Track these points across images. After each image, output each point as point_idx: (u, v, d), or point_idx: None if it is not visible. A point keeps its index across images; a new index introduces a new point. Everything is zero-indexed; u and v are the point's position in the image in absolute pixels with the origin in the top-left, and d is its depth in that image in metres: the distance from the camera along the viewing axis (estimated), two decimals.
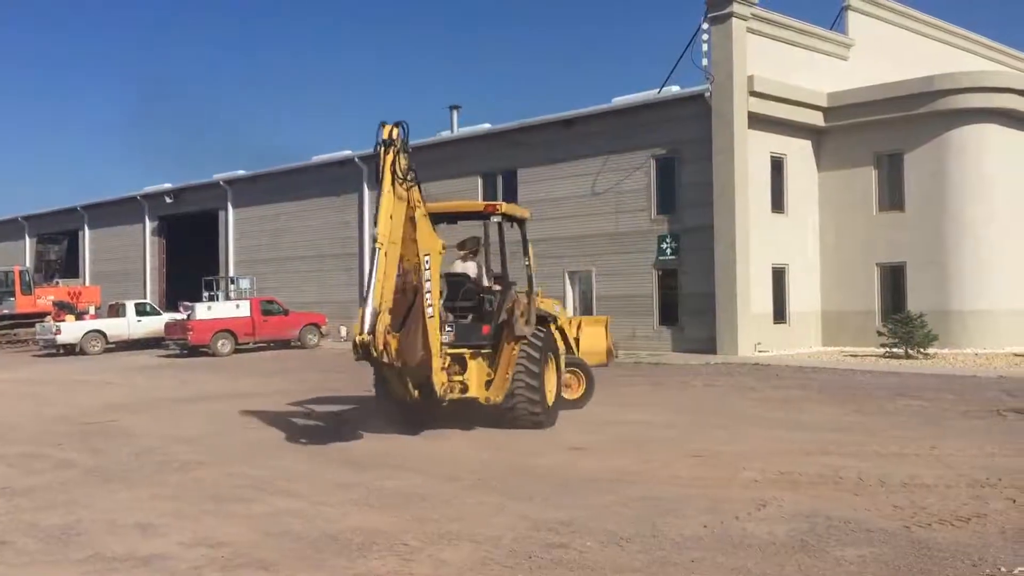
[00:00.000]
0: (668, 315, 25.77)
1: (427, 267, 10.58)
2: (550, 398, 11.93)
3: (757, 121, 24.20)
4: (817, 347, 25.64)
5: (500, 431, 11.74)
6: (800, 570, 5.75)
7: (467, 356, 11.74)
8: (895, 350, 22.15)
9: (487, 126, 31.55)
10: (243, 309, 29.67)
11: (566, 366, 13.20)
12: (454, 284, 12.50)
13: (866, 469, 8.74)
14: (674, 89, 25.96)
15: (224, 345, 28.59)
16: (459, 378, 11.63)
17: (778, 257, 25.07)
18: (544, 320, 12.67)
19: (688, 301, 25.17)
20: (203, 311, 29.20)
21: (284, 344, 30.57)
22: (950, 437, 10.70)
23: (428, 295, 10.47)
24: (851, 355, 23.20)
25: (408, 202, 10.53)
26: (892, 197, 25.07)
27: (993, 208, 23.96)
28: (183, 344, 28.66)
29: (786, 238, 25.28)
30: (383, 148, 10.37)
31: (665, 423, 12.37)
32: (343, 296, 34.15)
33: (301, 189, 36.17)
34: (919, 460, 9.26)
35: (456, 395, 11.55)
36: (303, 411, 14.30)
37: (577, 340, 14.16)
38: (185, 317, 29.65)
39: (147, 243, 43.24)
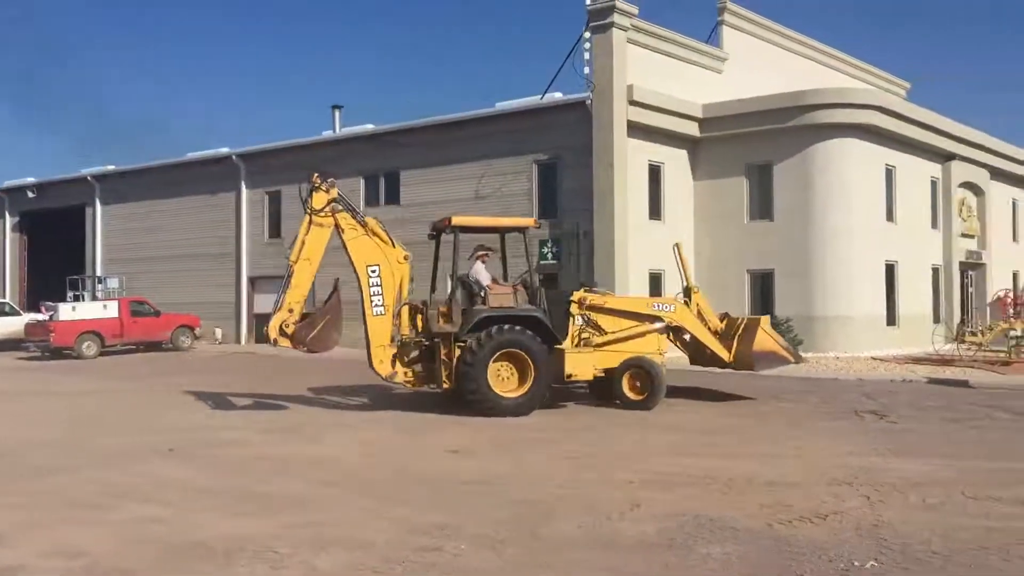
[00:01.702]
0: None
1: (373, 275, 13.59)
2: (501, 387, 13.23)
3: (636, 129, 24.74)
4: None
5: (385, 435, 11.67)
6: (668, 568, 5.89)
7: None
8: None
9: (370, 127, 31.22)
10: (111, 310, 28.46)
11: (630, 366, 13.82)
12: (465, 285, 14.16)
13: (735, 469, 9.03)
14: (557, 95, 26.28)
15: (89, 347, 27.36)
16: (417, 367, 13.82)
17: (655, 263, 25.65)
18: (526, 320, 13.37)
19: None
20: (67, 311, 27.88)
21: (155, 346, 29.49)
22: (813, 438, 11.17)
23: (375, 297, 13.53)
24: None
25: (337, 227, 13.70)
26: (762, 207, 26.02)
27: (853, 219, 25.17)
28: (45, 346, 27.31)
29: (663, 244, 25.87)
30: (310, 189, 13.77)
31: (541, 426, 12.49)
32: (219, 297, 33.21)
33: (175, 186, 34.95)
34: (785, 460, 9.62)
35: (403, 379, 13.75)
36: (172, 415, 13.83)
37: (738, 341, 14.67)
38: (47, 318, 28.27)
39: (7, 240, 41.01)
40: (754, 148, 25.83)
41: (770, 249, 25.45)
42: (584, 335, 14.14)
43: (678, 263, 15.10)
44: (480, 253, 14.46)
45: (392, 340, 13.62)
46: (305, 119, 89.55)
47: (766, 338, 14.48)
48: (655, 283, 25.79)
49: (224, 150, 33.94)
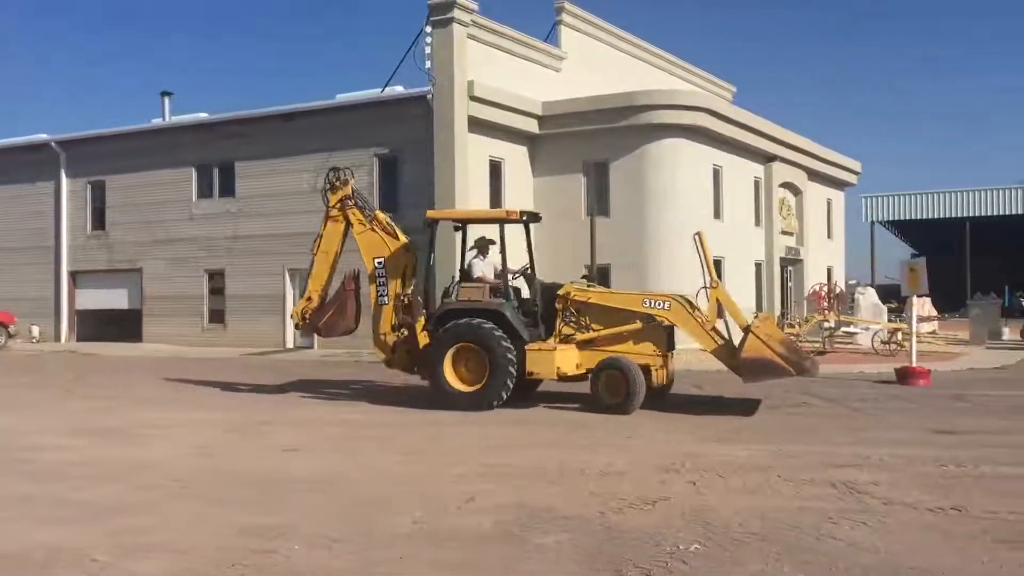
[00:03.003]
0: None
1: (379, 267, 14.26)
2: (462, 381, 13.26)
3: (477, 125, 24.89)
4: None
5: (216, 436, 11.28)
6: (502, 559, 5.97)
7: None
8: None
9: (203, 115, 30.10)
10: None
11: (607, 367, 12.90)
12: (465, 278, 14.12)
13: (568, 460, 9.24)
14: (398, 89, 26.12)
15: None
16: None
17: (495, 258, 25.89)
18: (489, 314, 13.15)
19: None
20: None
21: None
22: (644, 428, 11.57)
23: (380, 288, 14.25)
24: None
25: (348, 222, 14.61)
26: (600, 203, 26.72)
27: (684, 216, 26.18)
28: None
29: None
30: (326, 186, 14.85)
31: (378, 422, 12.41)
32: (37, 293, 31.26)
33: None
34: (616, 450, 9.92)
35: (398, 367, 14.35)
36: None
37: (740, 345, 12.67)
38: None
39: None
40: (591, 146, 26.48)
41: (607, 245, 26.16)
42: (566, 331, 13.39)
43: (700, 255, 13.41)
44: (479, 246, 14.36)
45: (394, 329, 14.09)
46: (132, 106, 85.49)
47: (758, 344, 12.26)
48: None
49: (42, 136, 31.93)
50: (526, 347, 13.12)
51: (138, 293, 30.19)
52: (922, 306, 28.62)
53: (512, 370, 12.95)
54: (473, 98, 24.47)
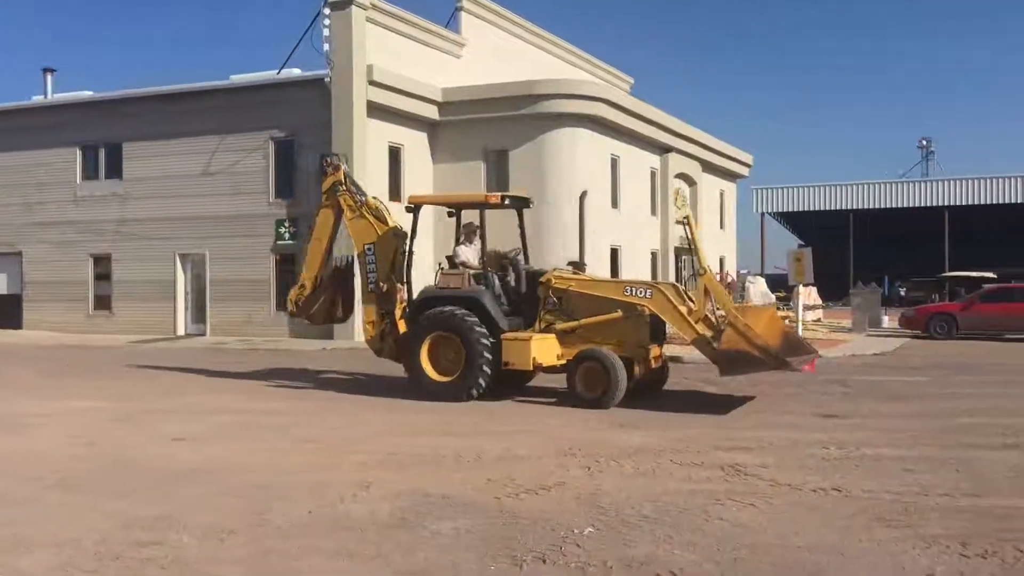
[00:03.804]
0: (286, 300, 25.36)
1: (369, 253, 13.88)
2: (440, 370, 12.82)
3: (376, 110, 24.63)
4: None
5: (102, 425, 10.89)
6: (398, 547, 5.94)
7: None
8: None
9: (88, 94, 28.96)
10: None
11: (586, 359, 12.20)
12: (453, 264, 13.64)
13: (467, 446, 9.26)
14: (295, 72, 25.63)
15: None
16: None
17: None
18: (466, 301, 12.71)
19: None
20: None
21: None
22: (542, 415, 11.66)
23: (370, 275, 13.83)
24: None
25: (339, 208, 14.34)
26: (500, 190, 26.72)
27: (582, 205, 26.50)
28: None
29: (403, 226, 25.96)
30: (321, 171, 14.70)
31: (274, 410, 12.19)
32: None
33: None
34: (514, 436, 9.98)
35: (386, 355, 13.90)
36: None
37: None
38: None
39: None
40: (491, 133, 26.52)
41: (506, 232, 26.18)
42: (547, 320, 12.80)
43: (690, 241, 12.90)
44: (466, 232, 13.90)
45: (383, 317, 13.70)
46: (11, 83, 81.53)
47: (734, 336, 11.54)
48: None
49: None
50: (502, 336, 12.54)
51: (18, 278, 28.89)
52: (808, 295, 29.74)
53: (488, 359, 12.43)
54: (372, 83, 24.19)
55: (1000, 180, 52.39)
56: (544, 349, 12.51)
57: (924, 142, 73.49)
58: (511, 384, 13.20)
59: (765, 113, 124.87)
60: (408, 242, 13.73)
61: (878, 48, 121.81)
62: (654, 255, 31.77)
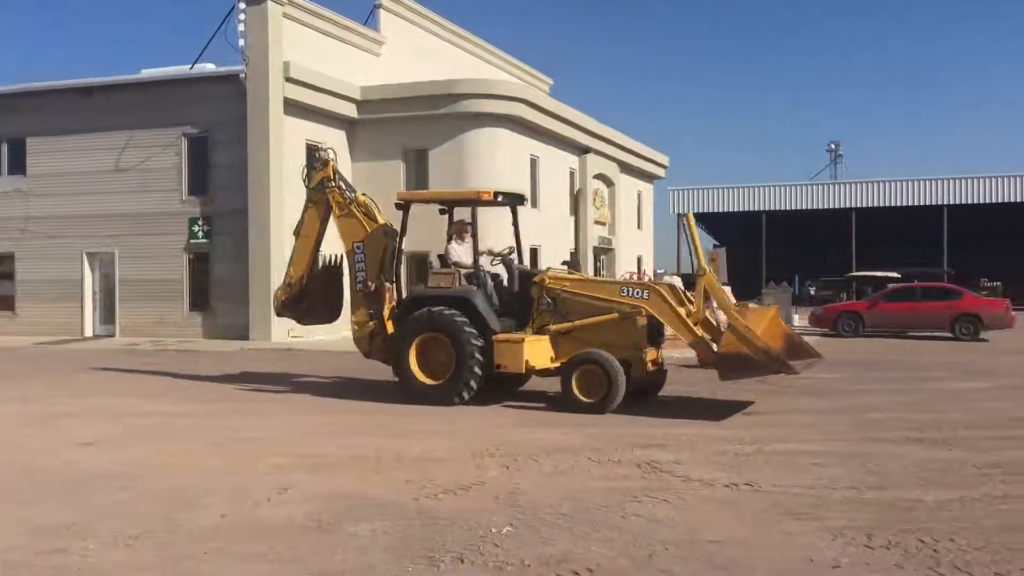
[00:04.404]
0: (199, 301, 24.93)
1: (358, 251, 13.40)
2: (431, 373, 12.43)
3: (293, 107, 24.29)
4: (347, 332, 26.40)
5: (3, 429, 10.50)
6: (315, 549, 5.88)
7: None
8: None
9: None
10: None
11: (582, 362, 11.70)
12: (443, 263, 13.23)
13: (386, 447, 9.20)
14: (209, 67, 25.11)
15: None
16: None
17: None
18: (457, 301, 12.31)
19: (221, 286, 24.56)
20: None
21: None
22: (463, 415, 11.65)
23: (359, 274, 13.35)
24: None
25: (327, 205, 13.81)
26: (419, 189, 26.64)
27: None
28: None
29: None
30: (308, 167, 14.31)
31: (187, 413, 11.92)
32: None
33: None
34: (434, 436, 9.95)
35: (377, 357, 13.46)
36: None
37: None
38: None
39: None
40: (411, 133, 26.39)
41: (423, 231, 26.09)
42: (541, 321, 12.38)
43: (688, 239, 12.27)
44: (457, 230, 13.46)
45: (372, 317, 13.26)
46: None
47: (733, 339, 11.18)
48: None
49: None
50: (494, 338, 12.11)
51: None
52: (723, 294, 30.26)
53: (480, 362, 12.02)
54: (289, 79, 23.86)
55: (904, 183, 54.31)
56: (537, 351, 12.08)
57: (833, 146, 75.75)
58: (503, 388, 12.95)
59: (681, 115, 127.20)
60: (398, 240, 13.37)
61: (790, 50, 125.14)
62: (572, 255, 32.03)
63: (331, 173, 13.86)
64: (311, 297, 14.32)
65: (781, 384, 14.72)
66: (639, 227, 39.92)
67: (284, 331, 23.72)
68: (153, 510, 6.83)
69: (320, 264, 14.48)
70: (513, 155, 27.25)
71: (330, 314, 14.60)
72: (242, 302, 23.89)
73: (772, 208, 56.54)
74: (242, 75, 23.60)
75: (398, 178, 26.58)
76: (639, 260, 38.54)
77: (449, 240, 13.40)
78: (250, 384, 14.89)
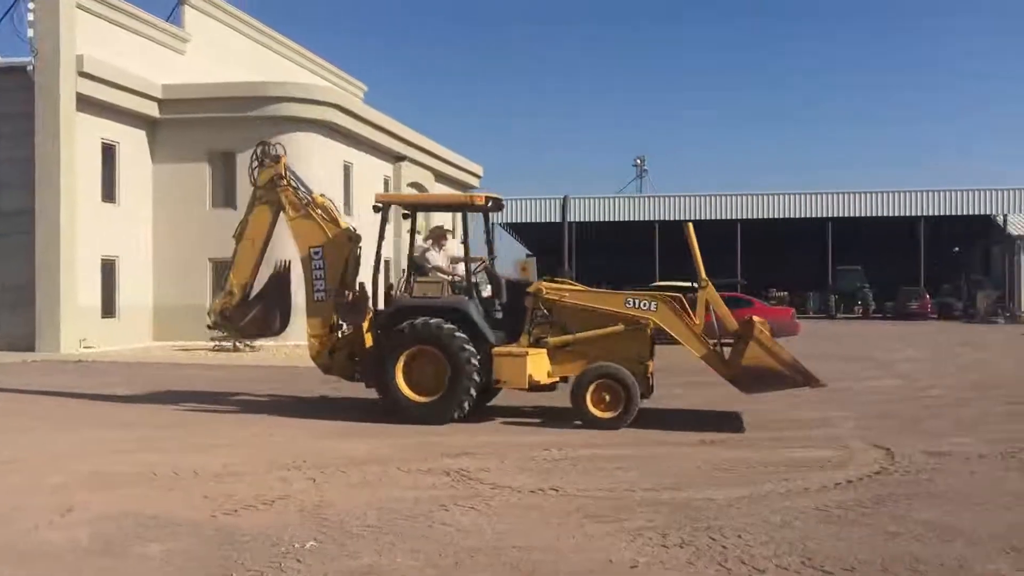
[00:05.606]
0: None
1: (316, 257, 12.28)
2: (419, 389, 11.48)
3: (87, 104, 22.88)
4: (149, 342, 25.16)
5: None
6: (101, 574, 5.51)
7: None
8: (224, 344, 22.73)
9: None
10: None
11: (599, 376, 11.04)
12: (419, 269, 12.39)
13: (182, 463, 8.76)
14: None
15: None
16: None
17: (108, 248, 24.04)
18: (450, 312, 11.47)
19: (2, 293, 22.75)
20: None
21: None
22: (277, 426, 11.28)
23: (316, 282, 12.24)
24: (182, 349, 23.23)
25: (279, 205, 12.63)
26: (226, 194, 25.70)
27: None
28: None
29: (117, 229, 24.35)
30: (256, 163, 12.85)
31: None
32: None
33: None
34: (237, 450, 9.58)
35: (338, 372, 12.46)
36: None
37: (734, 351, 11.41)
38: None
39: None
40: (217, 134, 25.44)
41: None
42: (538, 333, 11.62)
43: (689, 250, 12.03)
44: (434, 236, 12.80)
45: (333, 329, 12.30)
46: None
47: (760, 352, 10.94)
48: (108, 270, 24.21)
49: None
50: (493, 351, 11.37)
51: None
52: None
53: (477, 377, 11.26)
54: (82, 74, 22.47)
55: (701, 198, 57.49)
56: (539, 366, 11.45)
57: (639, 160, 79.02)
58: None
59: (495, 125, 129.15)
60: (377, 245, 12.43)
61: (597, 63, 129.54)
62: (387, 263, 31.81)
63: (283, 170, 12.76)
64: (260, 307, 12.94)
65: None
66: (453, 236, 40.13)
67: (76, 341, 22.27)
68: None
69: (273, 270, 13.18)
70: (326, 161, 26.75)
71: (279, 325, 13.13)
72: (27, 310, 22.23)
73: (581, 219, 58.50)
74: (30, 67, 22.03)
75: (204, 182, 25.61)
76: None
77: (416, 246, 12.82)
78: (36, 397, 13.85)
